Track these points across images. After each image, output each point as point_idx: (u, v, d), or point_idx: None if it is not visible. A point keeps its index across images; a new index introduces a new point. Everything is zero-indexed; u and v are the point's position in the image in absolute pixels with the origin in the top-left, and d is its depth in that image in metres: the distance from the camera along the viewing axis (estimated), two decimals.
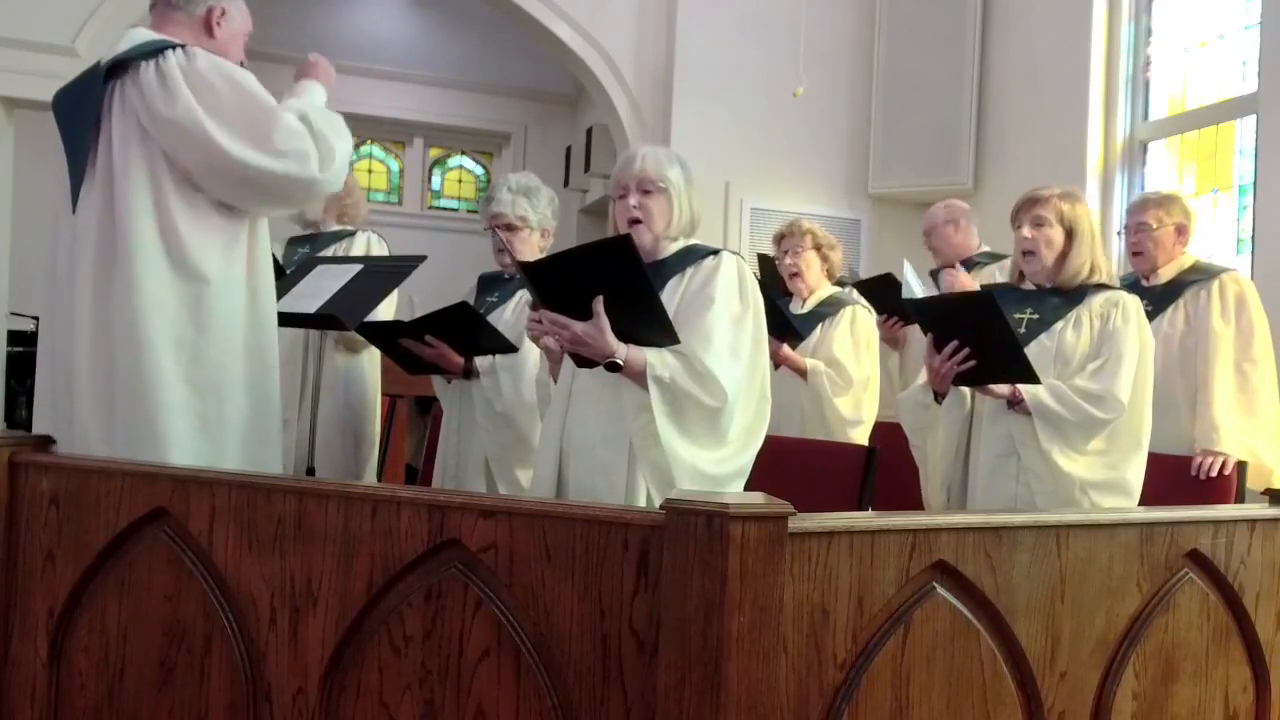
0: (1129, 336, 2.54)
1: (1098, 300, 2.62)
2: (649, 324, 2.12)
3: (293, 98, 2.46)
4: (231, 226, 2.35)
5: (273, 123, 2.27)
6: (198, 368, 2.29)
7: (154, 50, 2.28)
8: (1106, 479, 2.51)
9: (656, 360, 2.11)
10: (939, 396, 2.64)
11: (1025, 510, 2.42)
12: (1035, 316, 2.65)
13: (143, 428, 2.24)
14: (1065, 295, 2.65)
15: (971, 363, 2.48)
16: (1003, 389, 2.53)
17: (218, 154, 2.23)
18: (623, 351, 2.11)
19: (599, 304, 2.08)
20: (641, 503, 2.16)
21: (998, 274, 3.92)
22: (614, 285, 2.08)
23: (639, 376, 2.11)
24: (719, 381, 2.12)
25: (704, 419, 2.15)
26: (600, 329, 2.09)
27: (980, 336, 2.46)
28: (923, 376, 2.70)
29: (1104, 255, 2.72)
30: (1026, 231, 2.66)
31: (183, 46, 2.29)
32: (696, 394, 2.12)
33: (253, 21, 2.55)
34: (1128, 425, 2.52)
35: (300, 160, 2.28)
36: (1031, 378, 2.46)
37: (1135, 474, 2.55)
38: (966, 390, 2.65)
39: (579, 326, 2.09)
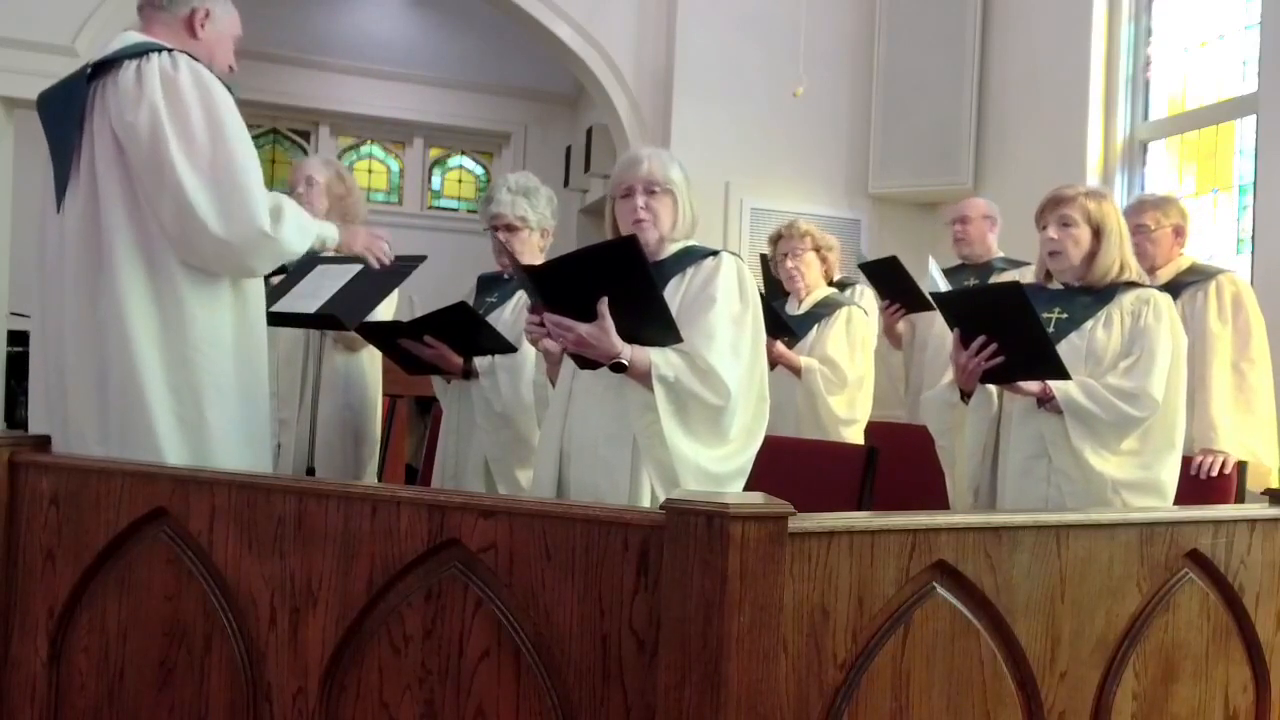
0: (1161, 334, 2.50)
1: (1128, 298, 2.57)
2: (653, 324, 2.12)
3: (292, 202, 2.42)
4: None
5: (239, 159, 2.23)
6: (179, 371, 2.28)
7: (139, 52, 2.27)
8: (1140, 479, 2.45)
9: (661, 360, 2.12)
10: (965, 395, 2.60)
11: (1025, 510, 2.42)
12: (1064, 316, 2.60)
13: (136, 428, 2.24)
14: (1095, 294, 2.60)
15: (999, 359, 2.43)
16: (1032, 386, 2.47)
17: (168, 170, 2.19)
18: (628, 352, 2.11)
19: (604, 305, 2.08)
20: (645, 502, 2.17)
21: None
22: (618, 286, 2.07)
23: (643, 377, 2.12)
24: (722, 379, 2.13)
25: (707, 417, 2.15)
26: (605, 330, 2.09)
27: (1008, 331, 2.40)
28: (949, 375, 2.65)
29: (1132, 253, 2.67)
30: (1053, 232, 2.61)
31: (170, 51, 2.28)
32: (700, 392, 2.12)
33: (253, 22, 2.54)
34: (1161, 424, 2.47)
35: (241, 209, 2.22)
36: (1062, 373, 2.40)
37: (1170, 474, 2.50)
38: (994, 389, 2.59)
39: (584, 328, 2.09)
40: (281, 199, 2.36)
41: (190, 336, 2.29)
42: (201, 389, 2.30)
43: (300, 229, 2.36)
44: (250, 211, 2.23)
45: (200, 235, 2.22)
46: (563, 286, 2.14)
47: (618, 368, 2.11)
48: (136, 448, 2.22)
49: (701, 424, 2.16)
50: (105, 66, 2.30)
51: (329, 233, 2.55)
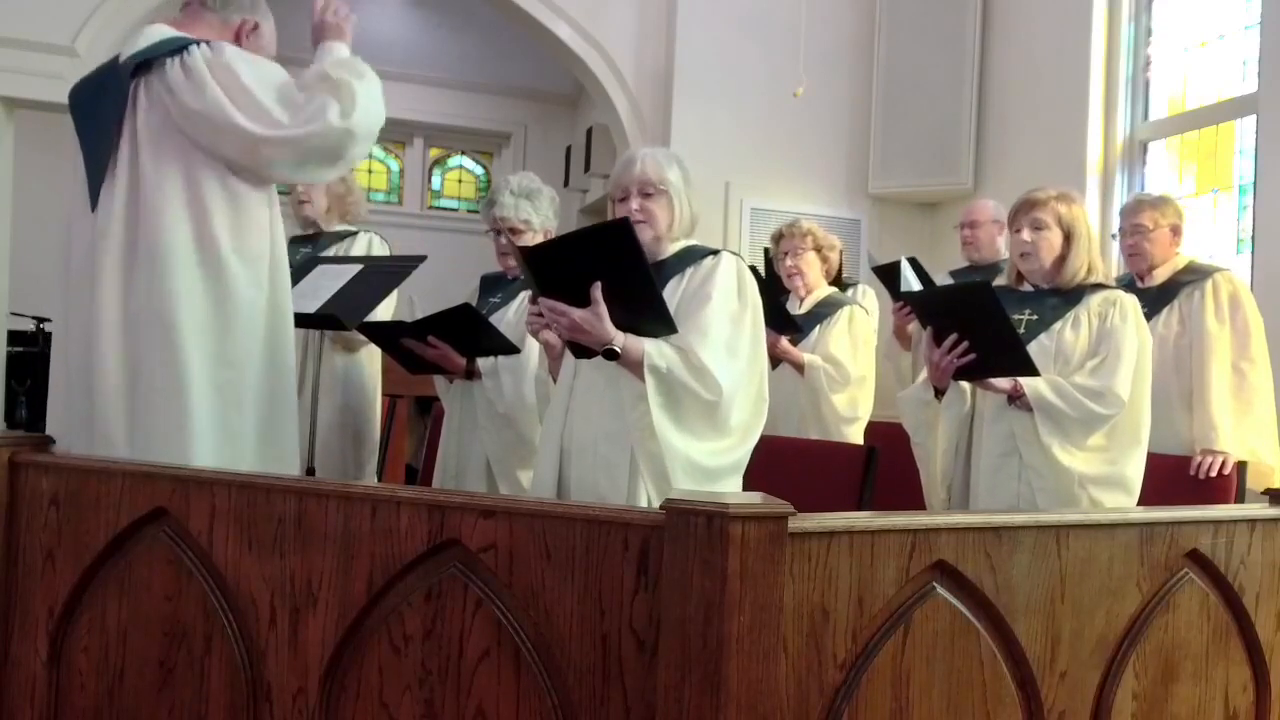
0: (1127, 334, 2.56)
1: (1095, 299, 2.63)
2: (647, 313, 2.12)
3: (314, 64, 2.44)
4: (261, 220, 2.35)
5: (291, 94, 2.28)
6: (220, 368, 2.29)
7: (178, 48, 2.28)
8: (1107, 474, 2.52)
9: (654, 350, 2.12)
10: (939, 393, 2.64)
11: (1025, 510, 2.43)
12: (1034, 317, 2.65)
13: (171, 427, 2.24)
14: (1063, 295, 2.66)
15: (971, 356, 2.48)
16: (1003, 384, 2.53)
17: (248, 139, 2.23)
18: (620, 339, 2.11)
19: (597, 290, 2.09)
20: (643, 501, 2.17)
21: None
22: (612, 272, 2.08)
23: (636, 366, 2.12)
24: (714, 376, 2.12)
25: (701, 412, 2.15)
26: (599, 315, 2.09)
27: (979, 329, 2.46)
28: (923, 374, 2.70)
29: (1100, 255, 2.73)
30: (1026, 235, 2.66)
31: (206, 42, 2.29)
32: (693, 387, 2.12)
33: None
34: (1127, 421, 2.53)
35: (323, 119, 2.26)
36: (1031, 369, 2.46)
37: (1135, 470, 2.56)
38: (966, 386, 2.64)
39: (577, 313, 2.10)
40: (324, 69, 2.35)
41: (234, 334, 2.30)
42: (241, 387, 2.32)
43: (351, 72, 2.35)
44: (329, 110, 2.26)
45: (313, 144, 2.27)
46: (558, 270, 2.14)
47: (611, 355, 2.11)
48: (167, 447, 2.21)
49: (695, 418, 2.15)
50: (145, 64, 2.30)
51: (343, 52, 2.50)
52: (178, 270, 2.24)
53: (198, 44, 2.28)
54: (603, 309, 2.09)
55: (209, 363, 2.27)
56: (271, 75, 2.31)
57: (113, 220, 2.29)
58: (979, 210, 4.24)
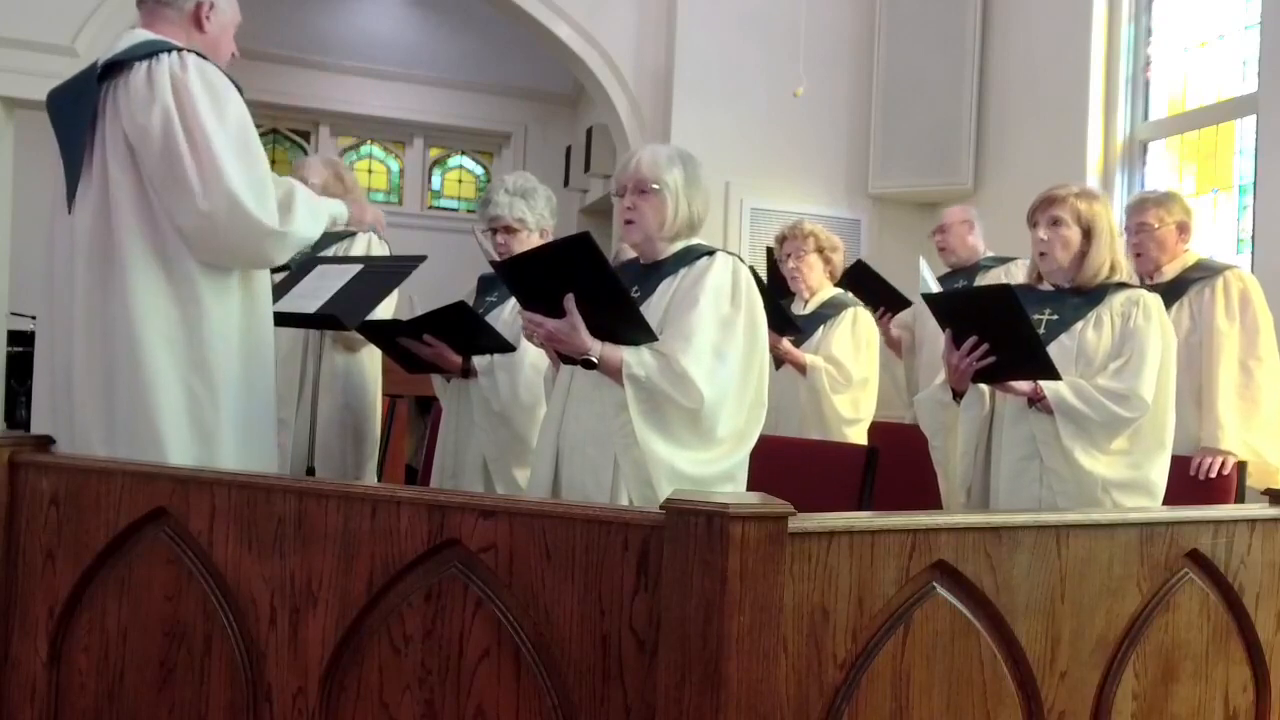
0: (1151, 335, 2.50)
1: (1118, 299, 2.57)
2: (624, 321, 2.12)
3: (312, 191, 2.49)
4: None
5: (245, 157, 2.24)
6: (192, 369, 2.29)
7: (150, 52, 2.27)
8: (1130, 478, 2.46)
9: (633, 359, 2.11)
10: (958, 395, 2.60)
11: (1025, 510, 2.42)
12: (1055, 317, 2.60)
13: (141, 428, 2.24)
14: (1085, 295, 2.60)
15: (991, 359, 2.43)
16: (1023, 386, 2.48)
17: (180, 169, 2.20)
18: (597, 349, 2.11)
19: (569, 301, 2.09)
20: (624, 501, 2.16)
21: (1003, 276, 3.93)
22: (584, 283, 2.08)
23: (616, 375, 2.11)
24: (695, 383, 2.10)
25: (684, 419, 2.13)
26: (573, 326, 2.09)
27: (999, 331, 2.41)
28: (941, 376, 2.65)
29: (1122, 254, 2.67)
30: (1042, 232, 2.61)
31: (179, 51, 2.28)
32: (672, 394, 2.11)
33: (253, 22, 2.55)
34: (1151, 424, 2.48)
35: (255, 201, 2.23)
36: (1052, 373, 2.41)
37: (1159, 473, 2.50)
38: (985, 389, 2.59)
39: (551, 324, 2.11)
40: (293, 186, 2.38)
41: (204, 336, 2.30)
42: (217, 387, 2.31)
43: (313, 214, 2.40)
44: (259, 207, 2.24)
45: (211, 232, 2.24)
46: (534, 282, 2.14)
47: (588, 364, 2.11)
48: (141, 448, 2.22)
49: (680, 426, 2.14)
50: (116, 67, 2.30)
51: (338, 210, 2.60)
52: (140, 273, 2.24)
53: (169, 53, 2.26)
54: (577, 319, 2.09)
55: (179, 365, 2.27)
56: (233, 120, 2.25)
57: (86, 223, 2.29)
58: (946, 215, 4.36)
